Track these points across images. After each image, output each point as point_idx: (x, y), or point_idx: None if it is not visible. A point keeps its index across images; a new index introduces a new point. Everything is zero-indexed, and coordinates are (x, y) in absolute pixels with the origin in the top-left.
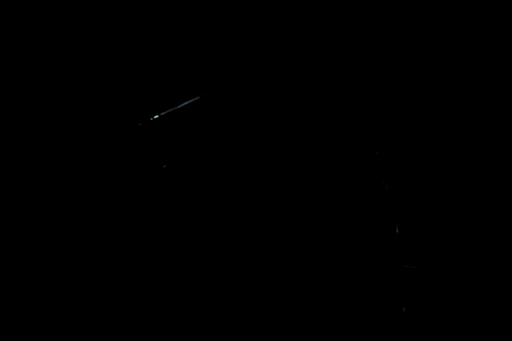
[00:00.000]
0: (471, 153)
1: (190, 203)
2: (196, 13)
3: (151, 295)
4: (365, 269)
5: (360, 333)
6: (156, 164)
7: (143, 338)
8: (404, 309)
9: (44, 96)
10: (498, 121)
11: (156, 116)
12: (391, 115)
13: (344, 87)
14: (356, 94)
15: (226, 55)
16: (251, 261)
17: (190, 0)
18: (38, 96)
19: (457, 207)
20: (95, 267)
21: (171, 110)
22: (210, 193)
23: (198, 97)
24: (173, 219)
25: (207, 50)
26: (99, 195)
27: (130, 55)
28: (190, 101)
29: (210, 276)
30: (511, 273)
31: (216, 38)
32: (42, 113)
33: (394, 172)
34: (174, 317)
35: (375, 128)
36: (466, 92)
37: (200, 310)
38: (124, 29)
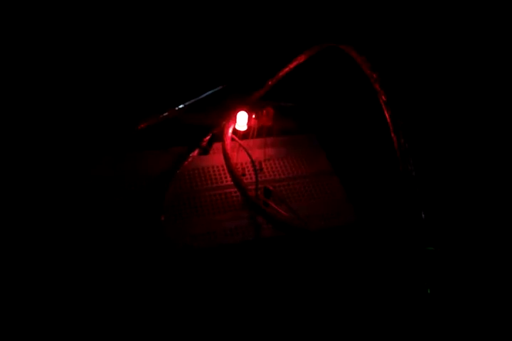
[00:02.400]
0: (494, 141)
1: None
2: (211, 5)
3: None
4: (390, 252)
5: (383, 315)
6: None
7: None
8: (429, 291)
9: (66, 81)
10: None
11: (181, 106)
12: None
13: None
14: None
15: (249, 44)
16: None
17: None
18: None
19: (483, 192)
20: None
21: (195, 100)
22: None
23: (221, 87)
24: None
25: (230, 39)
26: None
27: (153, 46)
28: (213, 90)
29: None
30: None
31: (237, 27)
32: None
33: (419, 157)
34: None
35: (400, 112)
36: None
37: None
38: (145, 21)
